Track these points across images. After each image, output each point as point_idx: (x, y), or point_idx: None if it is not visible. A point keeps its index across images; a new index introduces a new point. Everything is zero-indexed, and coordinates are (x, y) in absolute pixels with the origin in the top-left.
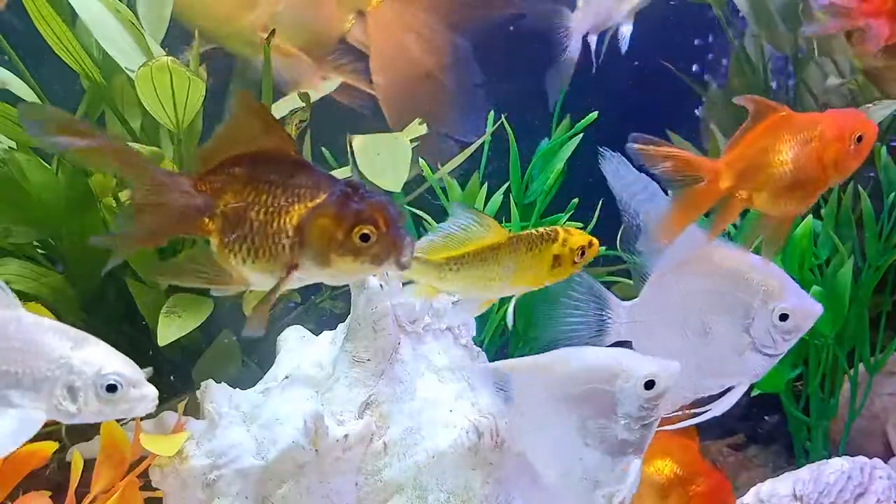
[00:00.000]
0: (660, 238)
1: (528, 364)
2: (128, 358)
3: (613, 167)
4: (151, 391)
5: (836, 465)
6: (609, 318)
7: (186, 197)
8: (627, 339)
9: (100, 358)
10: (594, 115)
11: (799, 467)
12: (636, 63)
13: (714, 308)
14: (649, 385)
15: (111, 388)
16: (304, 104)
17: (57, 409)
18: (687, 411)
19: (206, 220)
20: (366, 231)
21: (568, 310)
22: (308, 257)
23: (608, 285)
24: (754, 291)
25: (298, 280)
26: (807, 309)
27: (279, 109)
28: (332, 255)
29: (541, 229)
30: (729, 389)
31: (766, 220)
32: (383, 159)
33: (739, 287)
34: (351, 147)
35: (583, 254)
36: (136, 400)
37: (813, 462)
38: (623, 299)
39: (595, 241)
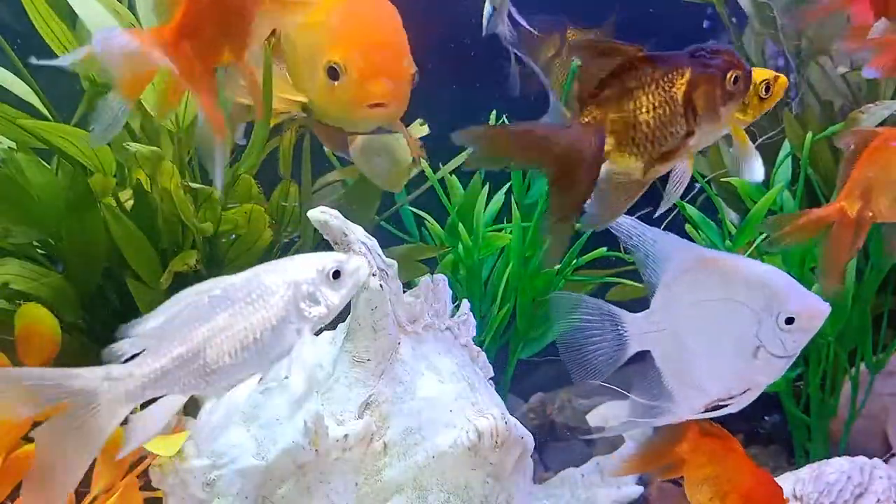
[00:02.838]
0: (829, 288)
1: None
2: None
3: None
4: (360, 259)
5: (836, 465)
6: (626, 331)
7: (590, 141)
8: (647, 349)
9: (308, 261)
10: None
11: (799, 467)
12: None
13: (722, 315)
14: (790, 321)
15: (336, 275)
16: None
17: (313, 318)
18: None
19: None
20: (734, 74)
21: (585, 333)
22: (703, 121)
23: (609, 286)
24: (758, 297)
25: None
26: (812, 310)
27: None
28: (720, 109)
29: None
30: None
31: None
32: (383, 161)
33: (744, 293)
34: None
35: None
36: (357, 269)
37: (813, 462)
38: (625, 301)
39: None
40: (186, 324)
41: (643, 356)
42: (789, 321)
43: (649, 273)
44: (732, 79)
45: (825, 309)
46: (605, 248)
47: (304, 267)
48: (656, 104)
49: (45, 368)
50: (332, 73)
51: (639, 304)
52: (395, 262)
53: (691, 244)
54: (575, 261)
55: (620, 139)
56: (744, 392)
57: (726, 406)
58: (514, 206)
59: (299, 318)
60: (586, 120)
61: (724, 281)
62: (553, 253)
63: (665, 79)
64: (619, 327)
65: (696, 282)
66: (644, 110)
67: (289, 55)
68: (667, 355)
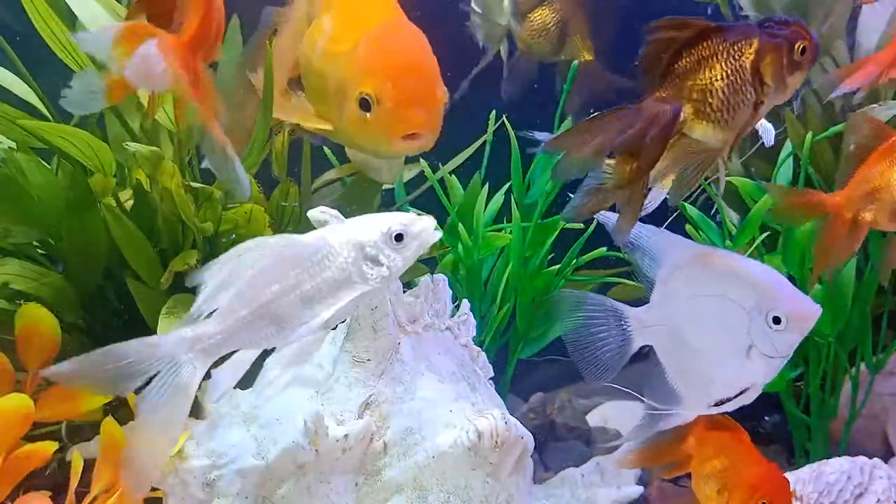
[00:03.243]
0: (812, 280)
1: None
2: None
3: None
4: (427, 220)
5: (836, 465)
6: (629, 326)
7: (666, 111)
8: (650, 343)
9: (373, 223)
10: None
11: (799, 467)
12: (636, 63)
13: (717, 311)
14: (777, 320)
15: (399, 238)
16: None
17: (374, 280)
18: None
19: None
20: (802, 45)
21: (591, 330)
22: (770, 90)
23: (609, 286)
24: (748, 296)
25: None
26: (801, 313)
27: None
28: (787, 79)
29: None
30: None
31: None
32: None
33: (736, 291)
34: None
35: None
36: (422, 232)
37: (813, 462)
38: (625, 301)
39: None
40: (257, 281)
41: (646, 358)
42: (777, 321)
43: (645, 268)
44: (801, 49)
45: (815, 311)
46: (604, 248)
47: (368, 229)
48: (728, 72)
49: (126, 343)
50: (364, 104)
51: (639, 304)
52: None
53: (687, 240)
54: (575, 261)
55: (696, 107)
56: (742, 391)
57: (725, 404)
58: (513, 206)
59: (362, 280)
60: (662, 93)
61: (719, 277)
62: (627, 223)
63: (735, 48)
64: (623, 322)
65: (692, 277)
66: (718, 78)
67: (310, 84)
68: (668, 350)
